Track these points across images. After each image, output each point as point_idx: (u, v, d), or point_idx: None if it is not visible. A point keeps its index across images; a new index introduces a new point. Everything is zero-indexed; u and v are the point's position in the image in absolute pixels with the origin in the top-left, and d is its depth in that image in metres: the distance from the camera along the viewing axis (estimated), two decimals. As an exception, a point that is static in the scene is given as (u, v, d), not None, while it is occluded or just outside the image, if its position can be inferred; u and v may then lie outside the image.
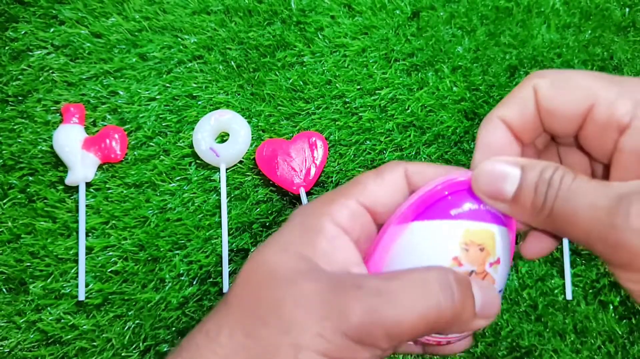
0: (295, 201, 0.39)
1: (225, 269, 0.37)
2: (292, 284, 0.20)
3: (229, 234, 0.38)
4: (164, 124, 0.41)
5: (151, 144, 0.41)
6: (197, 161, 0.40)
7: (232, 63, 0.42)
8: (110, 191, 0.39)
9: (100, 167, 0.40)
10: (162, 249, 0.38)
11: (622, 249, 0.18)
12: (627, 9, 0.44)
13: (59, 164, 0.40)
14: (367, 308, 0.19)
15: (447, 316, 0.20)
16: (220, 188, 0.39)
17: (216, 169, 0.40)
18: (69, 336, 0.36)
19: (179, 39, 0.43)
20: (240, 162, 0.40)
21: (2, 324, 0.37)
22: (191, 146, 0.40)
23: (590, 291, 0.38)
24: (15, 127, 0.41)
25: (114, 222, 0.39)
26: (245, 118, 0.41)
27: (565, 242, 0.38)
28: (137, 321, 0.37)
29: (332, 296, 0.19)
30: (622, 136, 0.21)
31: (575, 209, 0.19)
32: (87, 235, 0.38)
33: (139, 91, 0.41)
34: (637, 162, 0.20)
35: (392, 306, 0.19)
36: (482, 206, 0.22)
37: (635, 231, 0.18)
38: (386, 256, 0.22)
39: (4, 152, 0.40)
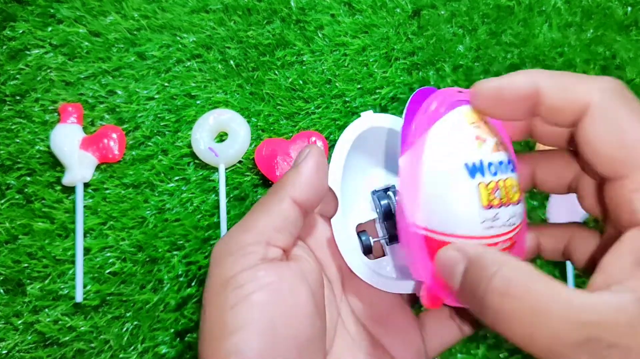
0: (294, 201, 0.39)
1: (224, 270, 0.37)
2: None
3: (228, 235, 0.38)
4: (162, 124, 0.41)
5: (149, 143, 0.40)
6: (196, 160, 0.40)
7: (231, 62, 0.42)
8: (108, 191, 0.39)
9: (98, 167, 0.40)
10: (160, 250, 0.38)
11: None
12: (629, 8, 0.44)
13: (56, 164, 0.39)
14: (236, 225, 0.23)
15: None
16: (219, 188, 0.39)
17: (215, 169, 0.40)
18: (67, 338, 0.36)
19: (178, 38, 0.42)
20: (240, 162, 0.40)
21: (0, 326, 0.36)
22: (190, 146, 0.40)
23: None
24: (12, 127, 0.40)
25: (111, 222, 0.38)
26: (245, 117, 0.41)
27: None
28: (135, 323, 0.37)
29: None
30: (581, 121, 0.20)
31: (511, 311, 0.17)
32: (84, 236, 0.38)
33: (137, 90, 0.41)
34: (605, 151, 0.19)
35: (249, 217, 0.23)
36: (452, 96, 0.23)
37: None
38: (420, 185, 0.22)
39: (1, 152, 0.40)
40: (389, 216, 0.27)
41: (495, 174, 0.21)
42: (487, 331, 0.38)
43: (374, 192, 0.28)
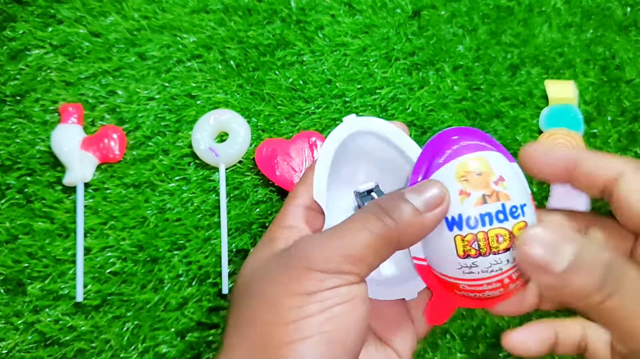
0: (295, 201, 0.39)
1: (225, 269, 0.37)
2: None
3: (228, 235, 0.38)
4: (162, 124, 0.41)
5: (150, 143, 0.40)
6: (196, 160, 0.40)
7: (232, 62, 0.42)
8: (108, 191, 0.39)
9: (98, 167, 0.40)
10: (161, 250, 0.38)
11: None
12: (628, 9, 0.44)
13: (57, 164, 0.40)
14: (323, 243, 0.23)
15: (389, 224, 0.23)
16: (219, 188, 0.39)
17: (215, 169, 0.40)
18: (68, 338, 0.36)
19: (178, 38, 0.42)
20: (240, 162, 0.40)
21: (0, 326, 0.36)
22: (190, 146, 0.40)
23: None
24: (13, 127, 0.40)
25: (112, 222, 0.38)
26: (245, 118, 0.41)
27: None
28: (135, 322, 0.37)
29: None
30: (616, 185, 0.23)
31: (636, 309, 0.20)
32: (85, 236, 0.38)
33: (137, 90, 0.41)
34: None
35: (342, 235, 0.23)
36: (461, 143, 0.25)
37: None
38: None
39: (1, 152, 0.40)
40: None
41: (474, 227, 0.23)
42: (487, 330, 0.38)
43: (357, 195, 0.28)
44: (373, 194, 0.28)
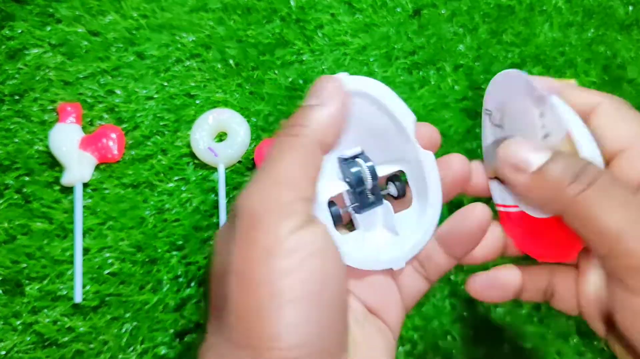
0: (294, 201, 0.39)
1: (224, 270, 0.37)
2: None
3: (227, 235, 0.38)
4: (161, 124, 0.41)
5: (148, 143, 0.40)
6: (195, 160, 0.40)
7: (231, 61, 0.42)
8: (107, 191, 0.39)
9: (97, 167, 0.39)
10: (159, 250, 0.38)
11: None
12: (630, 7, 0.44)
13: (55, 164, 0.39)
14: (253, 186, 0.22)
15: (298, 132, 0.22)
16: (218, 188, 0.39)
17: (214, 169, 0.40)
18: (66, 339, 0.36)
19: (177, 37, 0.42)
20: (239, 162, 0.40)
21: (-2, 326, 0.36)
22: (189, 146, 0.40)
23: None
24: (11, 126, 0.40)
25: (111, 223, 0.38)
26: (244, 117, 0.40)
27: None
28: (134, 323, 0.36)
29: None
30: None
31: (614, 207, 0.20)
32: (83, 236, 0.38)
33: (136, 89, 0.41)
34: None
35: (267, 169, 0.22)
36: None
37: None
38: None
39: (-1, 152, 0.40)
40: (360, 184, 0.26)
41: None
42: (488, 331, 0.38)
43: (341, 161, 0.26)
44: (358, 159, 0.26)
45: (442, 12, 0.44)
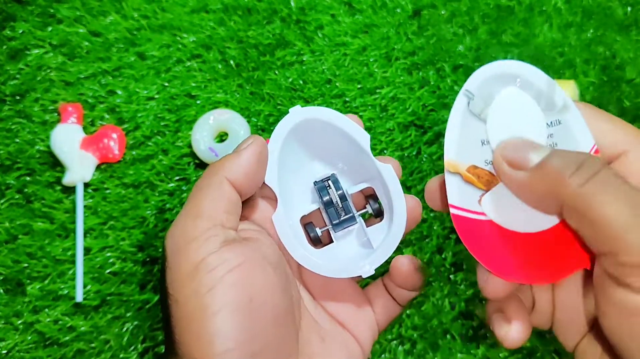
0: (295, 201, 0.39)
1: (225, 270, 0.37)
2: None
3: (228, 235, 0.38)
4: (162, 124, 0.41)
5: (149, 143, 0.40)
6: (196, 160, 0.40)
7: (231, 62, 0.42)
8: (108, 191, 0.39)
9: (98, 167, 0.39)
10: (160, 250, 0.38)
11: None
12: (629, 8, 0.44)
13: (56, 164, 0.39)
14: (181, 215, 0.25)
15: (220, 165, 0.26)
16: (219, 188, 0.39)
17: (215, 169, 0.40)
18: (67, 338, 0.36)
19: (178, 38, 0.42)
20: (240, 162, 0.40)
21: (0, 326, 0.36)
22: (190, 146, 0.40)
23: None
24: (12, 127, 0.40)
25: (112, 222, 0.38)
26: (245, 117, 0.41)
27: None
28: (135, 323, 0.37)
29: None
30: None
31: (615, 200, 0.19)
32: (85, 236, 0.38)
33: (137, 90, 0.41)
34: None
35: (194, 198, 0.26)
36: None
37: None
38: None
39: (1, 152, 0.40)
40: (329, 204, 0.29)
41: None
42: (487, 331, 0.38)
43: (315, 183, 0.29)
44: (329, 182, 0.29)
45: (442, 12, 0.44)
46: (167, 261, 0.23)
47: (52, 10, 0.43)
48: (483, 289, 0.24)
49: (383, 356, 0.37)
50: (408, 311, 0.37)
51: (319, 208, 0.30)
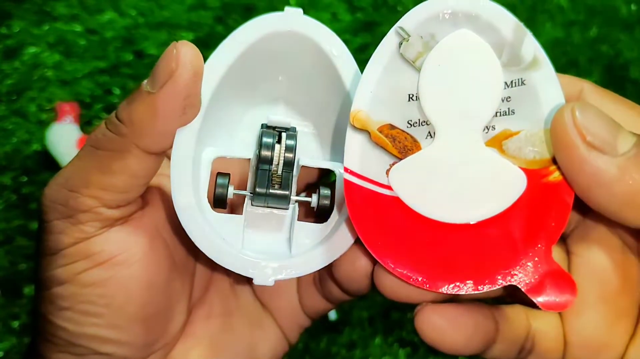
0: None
1: (223, 271, 0.37)
2: None
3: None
4: (160, 123, 0.40)
5: (147, 143, 0.40)
6: (195, 160, 0.40)
7: (230, 61, 0.42)
8: (105, 191, 0.39)
9: (95, 167, 0.39)
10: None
11: None
12: (633, 6, 0.44)
13: (52, 165, 0.39)
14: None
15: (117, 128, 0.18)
16: (218, 189, 0.38)
17: (214, 169, 0.39)
18: (64, 340, 0.36)
19: (176, 36, 0.42)
20: (239, 162, 0.40)
21: (-4, 328, 0.36)
22: (188, 146, 0.40)
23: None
24: (8, 126, 0.40)
25: (109, 223, 0.38)
26: (244, 117, 0.40)
27: None
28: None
29: None
30: None
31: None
32: (81, 237, 0.38)
33: (134, 88, 0.41)
34: None
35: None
36: None
37: None
38: None
39: (-4, 152, 0.39)
40: (265, 162, 0.19)
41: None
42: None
43: (263, 127, 0.20)
44: (284, 134, 0.20)
45: (444, 10, 0.43)
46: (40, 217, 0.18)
47: (48, 8, 0.42)
48: (376, 281, 0.19)
49: (383, 358, 0.36)
50: (409, 315, 0.37)
51: (248, 160, 0.20)
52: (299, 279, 0.23)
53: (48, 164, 0.39)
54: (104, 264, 0.18)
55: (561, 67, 0.42)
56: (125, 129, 0.17)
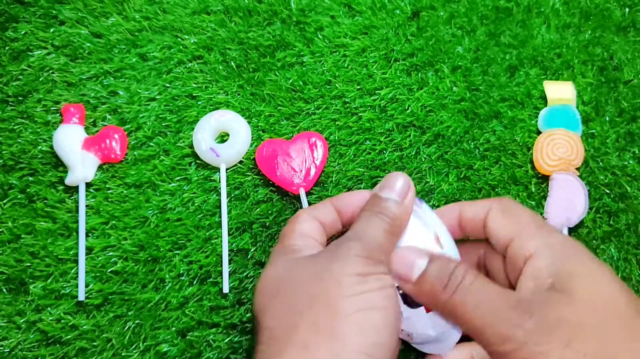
0: (295, 201, 0.40)
1: (225, 269, 0.37)
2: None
3: (229, 234, 0.38)
4: (163, 124, 0.41)
5: (151, 144, 0.41)
6: (197, 161, 0.40)
7: (232, 63, 0.42)
8: (110, 191, 0.39)
9: (100, 167, 0.40)
10: (162, 249, 0.38)
11: (510, 341, 0.23)
12: (627, 9, 0.44)
13: (59, 165, 0.40)
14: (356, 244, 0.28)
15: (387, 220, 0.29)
16: (220, 188, 0.39)
17: (216, 169, 0.40)
18: (69, 336, 0.36)
19: (179, 39, 0.43)
20: (240, 162, 0.40)
21: (2, 325, 0.37)
22: (191, 146, 0.40)
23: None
24: (15, 127, 0.41)
25: (114, 222, 0.39)
26: (245, 118, 0.41)
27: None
28: (137, 321, 0.37)
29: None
30: (525, 264, 0.27)
31: (476, 304, 0.25)
32: (87, 235, 0.38)
33: (138, 91, 0.41)
34: (531, 281, 0.26)
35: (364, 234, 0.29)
36: None
37: (527, 329, 0.23)
38: None
39: (4, 152, 0.40)
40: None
41: None
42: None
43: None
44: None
45: (441, 14, 0.44)
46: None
47: (54, 12, 0.43)
48: None
49: None
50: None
51: None
52: None
53: (54, 164, 0.40)
54: (382, 310, 0.27)
55: (556, 69, 0.43)
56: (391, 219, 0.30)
